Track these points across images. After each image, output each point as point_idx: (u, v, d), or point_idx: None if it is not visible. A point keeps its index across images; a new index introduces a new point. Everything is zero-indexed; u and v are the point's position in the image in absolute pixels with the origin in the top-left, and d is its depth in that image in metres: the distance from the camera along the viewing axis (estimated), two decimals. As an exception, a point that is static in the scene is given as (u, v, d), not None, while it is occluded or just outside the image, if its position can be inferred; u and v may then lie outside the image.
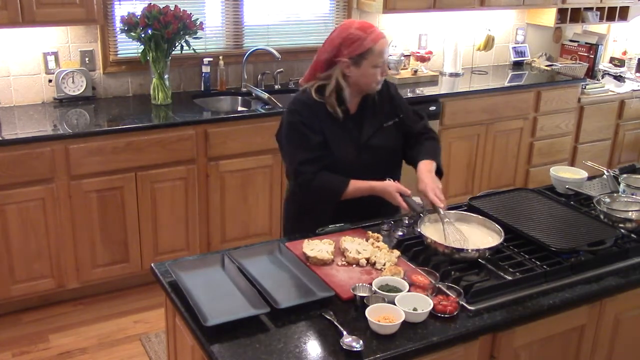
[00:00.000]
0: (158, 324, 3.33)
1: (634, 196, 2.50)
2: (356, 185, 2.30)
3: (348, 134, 2.38)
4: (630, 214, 2.38)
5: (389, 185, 2.27)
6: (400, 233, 2.26)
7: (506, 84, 4.78)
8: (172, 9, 3.59)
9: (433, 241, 2.06)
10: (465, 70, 5.01)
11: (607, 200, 2.45)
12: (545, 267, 2.03)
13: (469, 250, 2.03)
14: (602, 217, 2.36)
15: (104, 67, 3.84)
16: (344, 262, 2.06)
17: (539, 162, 4.96)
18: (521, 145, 4.84)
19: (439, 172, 2.39)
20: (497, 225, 2.18)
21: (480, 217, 2.24)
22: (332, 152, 2.33)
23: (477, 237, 2.16)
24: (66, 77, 3.69)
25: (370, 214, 2.38)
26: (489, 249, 2.05)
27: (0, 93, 3.62)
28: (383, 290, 1.84)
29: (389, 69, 4.60)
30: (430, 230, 2.15)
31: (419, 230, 2.12)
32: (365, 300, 1.79)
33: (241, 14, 4.18)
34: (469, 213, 2.27)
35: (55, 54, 3.70)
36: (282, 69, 4.30)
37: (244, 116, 3.72)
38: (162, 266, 2.01)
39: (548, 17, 5.11)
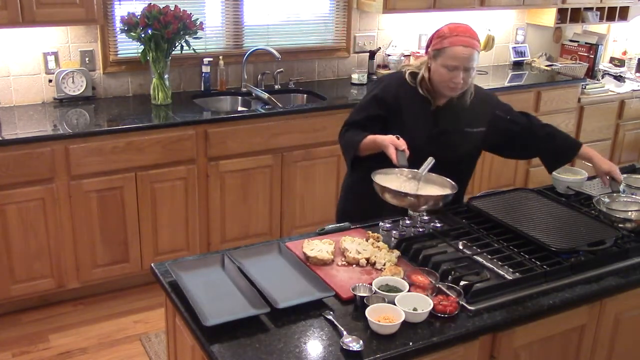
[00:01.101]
0: (158, 324, 3.33)
1: (634, 196, 2.50)
2: (368, 139, 2.38)
3: (425, 122, 2.45)
4: (629, 214, 2.38)
5: (387, 137, 2.30)
6: (401, 233, 2.26)
7: (506, 84, 4.78)
8: (172, 9, 3.59)
9: (380, 186, 2.15)
10: (465, 70, 5.00)
11: (607, 200, 2.46)
12: (545, 267, 2.03)
13: (410, 196, 2.12)
14: (601, 217, 2.36)
15: (104, 67, 3.84)
16: (344, 262, 2.06)
17: (539, 162, 4.93)
18: (521, 145, 4.83)
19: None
20: (452, 182, 2.25)
21: (441, 177, 2.29)
22: (400, 132, 2.35)
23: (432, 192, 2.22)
24: (66, 77, 3.69)
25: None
26: (429, 196, 2.14)
27: (0, 93, 3.62)
28: (383, 290, 1.84)
29: (389, 69, 4.60)
30: (384, 180, 2.21)
31: (373, 177, 2.20)
32: (365, 300, 1.79)
33: (241, 14, 4.18)
34: (434, 174, 2.29)
35: (55, 54, 3.70)
36: (282, 69, 4.30)
37: (244, 116, 3.72)
38: (162, 266, 2.01)
39: (548, 17, 5.11)
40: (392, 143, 2.26)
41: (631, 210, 2.40)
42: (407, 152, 2.24)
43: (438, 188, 2.26)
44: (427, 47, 2.45)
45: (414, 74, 2.48)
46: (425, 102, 2.46)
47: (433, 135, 2.46)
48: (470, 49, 2.33)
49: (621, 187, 2.62)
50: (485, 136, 2.56)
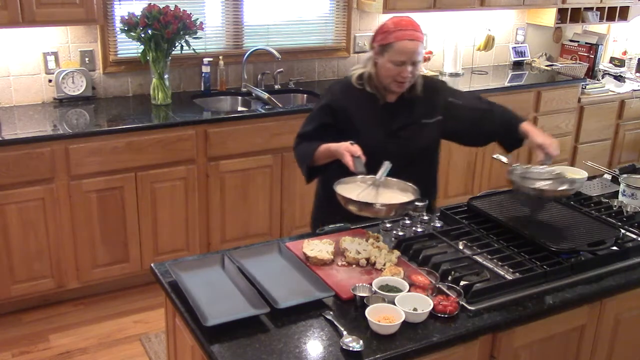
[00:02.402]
0: (158, 324, 3.33)
1: (548, 167, 2.41)
2: (321, 148, 2.35)
3: (380, 121, 2.42)
4: (541, 183, 2.33)
5: (341, 145, 2.25)
6: (401, 233, 2.26)
7: (506, 84, 4.78)
8: (172, 9, 3.59)
9: (341, 196, 2.10)
10: (465, 70, 5.01)
11: (520, 170, 2.38)
12: (545, 267, 2.03)
13: (377, 205, 2.06)
14: (513, 187, 2.34)
15: (104, 67, 3.84)
16: (344, 262, 2.06)
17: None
18: (521, 145, 4.83)
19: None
20: (413, 186, 2.21)
21: (401, 181, 2.24)
22: (355, 136, 2.32)
23: (394, 198, 2.17)
24: (66, 77, 3.69)
25: None
26: (395, 204, 2.09)
27: (0, 93, 3.62)
28: (383, 290, 1.84)
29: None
30: (346, 190, 2.15)
31: (335, 188, 2.15)
32: (365, 300, 1.79)
33: (241, 14, 4.18)
34: (393, 178, 2.24)
35: (55, 54, 3.70)
36: (282, 69, 4.30)
37: (244, 116, 3.72)
38: (162, 266, 2.01)
39: (548, 17, 5.11)
40: (347, 150, 2.21)
41: (543, 179, 2.34)
42: (363, 158, 2.19)
43: (399, 193, 2.22)
44: (372, 42, 2.39)
45: (360, 76, 2.43)
46: (375, 101, 2.43)
47: (391, 132, 2.42)
48: (416, 42, 2.30)
49: (621, 188, 2.61)
50: (443, 124, 2.51)
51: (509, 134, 2.53)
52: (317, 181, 2.61)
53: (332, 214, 2.36)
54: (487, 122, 2.54)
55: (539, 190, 2.29)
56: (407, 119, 2.44)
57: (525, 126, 2.48)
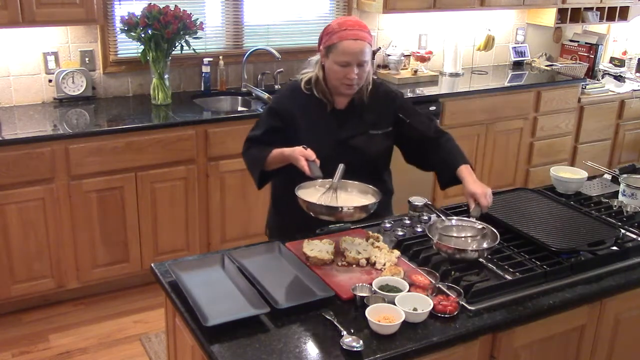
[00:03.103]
0: (158, 324, 3.33)
1: (468, 219, 2.21)
2: (274, 153, 2.30)
3: (328, 129, 2.36)
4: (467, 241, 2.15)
5: (295, 149, 2.21)
6: (401, 233, 2.26)
7: (506, 84, 4.78)
8: (172, 9, 3.59)
9: (303, 200, 2.08)
10: (465, 70, 5.01)
11: (439, 225, 2.18)
12: (545, 267, 2.03)
13: (343, 209, 2.05)
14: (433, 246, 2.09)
15: (104, 67, 3.84)
16: (344, 262, 2.06)
17: (539, 162, 4.96)
18: (521, 145, 4.84)
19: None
20: (373, 188, 2.19)
21: (360, 183, 2.23)
22: (304, 142, 2.26)
23: (355, 201, 2.16)
24: (66, 77, 3.69)
25: None
26: (361, 207, 2.07)
27: (0, 93, 3.62)
28: (383, 290, 1.84)
29: (389, 69, 4.60)
30: (306, 195, 2.13)
31: (296, 193, 2.12)
32: (365, 300, 1.79)
33: (241, 14, 4.18)
34: (349, 181, 2.22)
35: (55, 54, 3.70)
36: (282, 69, 4.30)
37: (244, 116, 3.72)
38: (162, 266, 2.01)
39: (548, 17, 5.11)
40: (302, 155, 2.16)
41: (466, 237, 2.16)
42: (318, 162, 2.16)
43: (358, 194, 2.20)
44: (319, 45, 2.33)
45: (309, 80, 2.37)
46: (323, 107, 2.36)
47: (339, 141, 2.35)
48: (361, 42, 2.23)
49: (621, 188, 2.61)
50: (392, 136, 2.45)
51: (446, 173, 2.39)
52: (271, 186, 2.56)
53: (287, 219, 2.32)
54: (429, 151, 2.44)
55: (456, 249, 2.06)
56: (355, 128, 2.38)
57: (463, 171, 2.32)
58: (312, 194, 2.15)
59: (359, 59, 2.24)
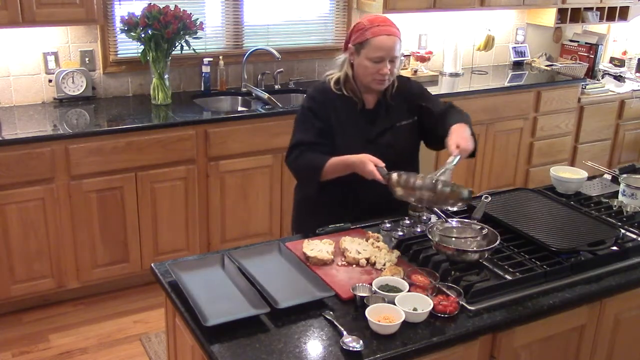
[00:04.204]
0: (158, 324, 3.33)
1: (467, 220, 2.21)
2: (334, 161, 2.28)
3: (358, 128, 2.38)
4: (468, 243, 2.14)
5: (363, 156, 2.22)
6: (401, 233, 2.26)
7: (506, 84, 4.78)
8: (172, 9, 3.59)
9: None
10: (465, 70, 5.01)
11: (440, 227, 2.17)
12: (545, 267, 2.03)
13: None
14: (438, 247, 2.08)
15: (104, 67, 3.85)
16: (344, 262, 2.06)
17: (539, 162, 4.96)
18: (521, 145, 4.84)
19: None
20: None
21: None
22: (335, 142, 2.31)
23: None
24: (66, 77, 3.69)
25: (372, 213, 2.37)
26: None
27: (0, 93, 3.62)
28: (383, 290, 1.84)
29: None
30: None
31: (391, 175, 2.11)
32: (365, 300, 1.79)
33: (241, 14, 4.18)
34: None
35: (55, 54, 3.70)
36: (282, 69, 4.30)
37: (244, 116, 3.72)
38: (162, 266, 2.01)
39: (548, 17, 5.11)
40: (371, 161, 2.17)
41: (466, 237, 2.15)
42: (384, 167, 2.17)
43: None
44: (347, 43, 2.35)
45: (337, 80, 2.38)
46: (353, 105, 2.37)
47: (369, 139, 2.37)
48: (394, 38, 2.26)
49: (621, 188, 2.61)
50: (417, 127, 2.47)
51: (441, 126, 2.33)
52: (297, 188, 2.55)
53: (318, 221, 2.31)
54: (439, 127, 2.39)
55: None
56: (384, 125, 2.40)
57: (457, 126, 2.25)
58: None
59: (391, 54, 2.27)
